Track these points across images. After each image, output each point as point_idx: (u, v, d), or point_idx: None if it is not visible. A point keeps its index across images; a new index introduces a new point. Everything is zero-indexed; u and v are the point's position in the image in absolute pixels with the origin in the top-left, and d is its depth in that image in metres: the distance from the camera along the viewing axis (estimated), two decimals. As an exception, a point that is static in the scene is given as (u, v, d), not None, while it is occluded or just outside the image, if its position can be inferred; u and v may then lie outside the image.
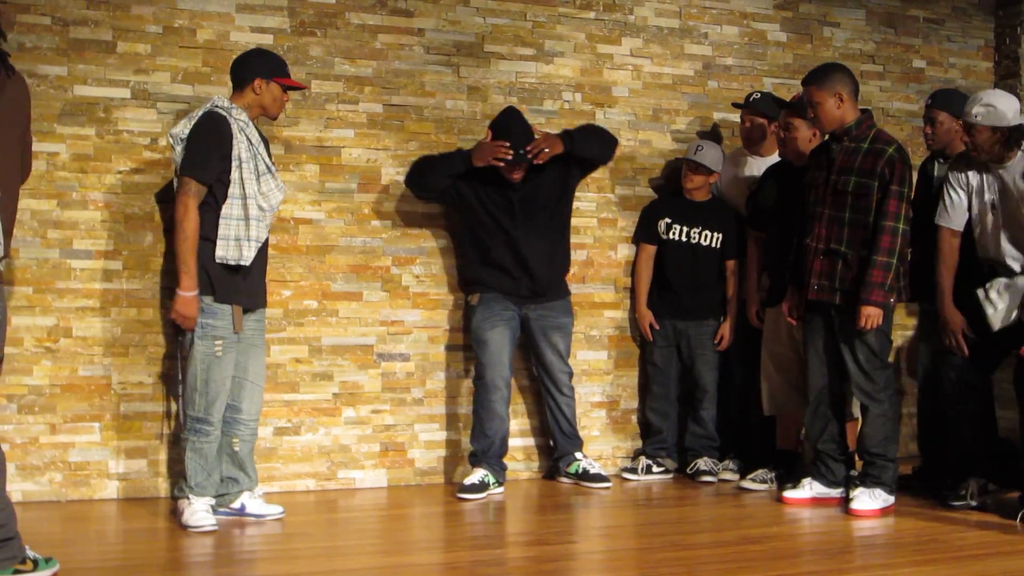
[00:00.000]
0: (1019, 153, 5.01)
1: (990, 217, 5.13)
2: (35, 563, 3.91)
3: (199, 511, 4.74)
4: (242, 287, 4.82)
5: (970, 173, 5.18)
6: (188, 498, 4.78)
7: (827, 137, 5.37)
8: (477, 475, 5.51)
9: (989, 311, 5.09)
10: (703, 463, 5.98)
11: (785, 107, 5.71)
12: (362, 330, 5.73)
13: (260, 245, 4.80)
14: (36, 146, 4.85)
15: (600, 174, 6.12)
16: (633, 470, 6.04)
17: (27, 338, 5.19)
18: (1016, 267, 5.10)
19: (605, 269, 6.21)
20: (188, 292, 4.68)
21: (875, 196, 5.12)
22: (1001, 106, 4.95)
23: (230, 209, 4.74)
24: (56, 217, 5.25)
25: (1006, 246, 5.11)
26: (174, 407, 5.33)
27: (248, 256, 4.74)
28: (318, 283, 5.67)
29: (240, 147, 4.74)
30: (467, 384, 5.89)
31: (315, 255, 5.66)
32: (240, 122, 4.79)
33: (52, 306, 5.24)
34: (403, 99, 5.83)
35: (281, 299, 5.58)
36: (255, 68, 4.89)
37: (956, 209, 5.20)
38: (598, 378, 6.21)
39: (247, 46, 5.45)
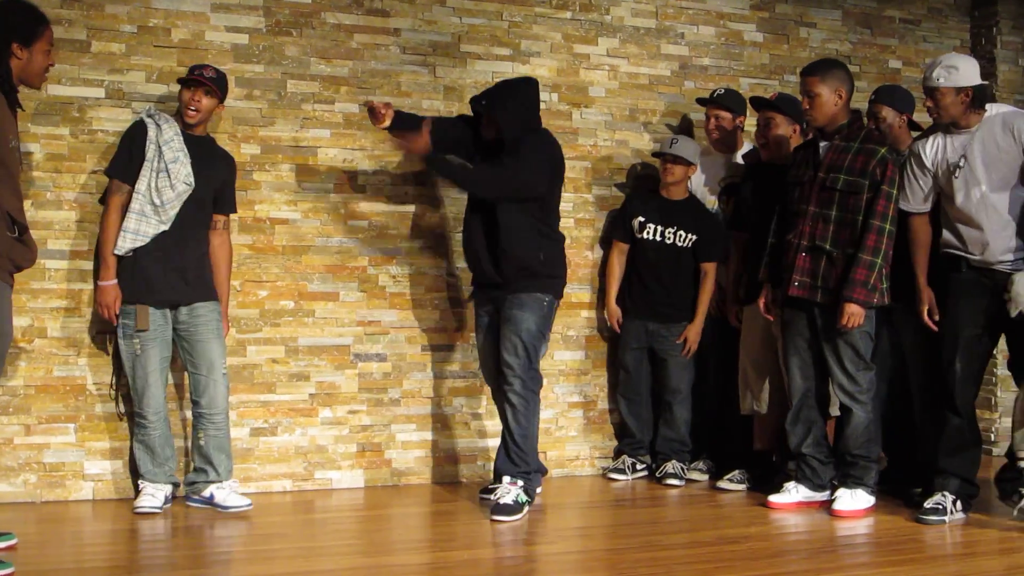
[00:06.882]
0: (986, 114, 4.93)
1: (959, 181, 4.94)
2: None
3: (145, 494, 5.05)
4: (154, 286, 5.01)
5: (927, 148, 5.06)
6: (140, 484, 5.13)
7: (810, 135, 5.37)
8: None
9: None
10: (671, 467, 5.91)
11: (765, 105, 5.72)
12: (339, 330, 5.72)
13: (142, 240, 4.96)
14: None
15: (577, 174, 6.14)
16: (620, 470, 6.03)
17: (1, 339, 5.17)
18: (1000, 245, 4.93)
19: (581, 269, 6.21)
20: (102, 281, 4.99)
21: (865, 195, 5.08)
22: (963, 66, 4.87)
23: (131, 203, 5.02)
24: (30, 217, 5.17)
25: (990, 213, 4.89)
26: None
27: (122, 247, 4.95)
28: (294, 283, 5.65)
29: (150, 146, 4.99)
30: (444, 384, 5.89)
31: (291, 255, 5.64)
32: (156, 124, 5.05)
33: (27, 306, 5.21)
34: (379, 99, 5.81)
35: (257, 299, 5.57)
36: None
37: (915, 191, 5.10)
38: (575, 378, 6.21)
39: (222, 46, 5.45)
